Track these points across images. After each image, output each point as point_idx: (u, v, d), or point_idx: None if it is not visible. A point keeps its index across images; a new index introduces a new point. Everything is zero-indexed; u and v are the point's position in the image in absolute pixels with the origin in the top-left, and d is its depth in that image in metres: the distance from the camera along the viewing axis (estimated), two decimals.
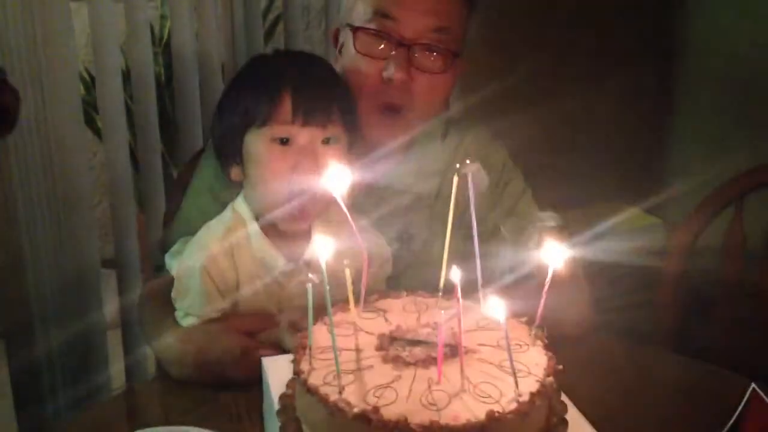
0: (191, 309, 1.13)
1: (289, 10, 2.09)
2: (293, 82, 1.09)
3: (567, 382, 0.88)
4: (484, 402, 0.75)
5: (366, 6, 1.21)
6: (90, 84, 2.37)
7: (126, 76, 1.95)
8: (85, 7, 1.82)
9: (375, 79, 1.20)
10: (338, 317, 0.90)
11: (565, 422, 0.83)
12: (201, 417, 0.99)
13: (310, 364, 0.81)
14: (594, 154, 2.46)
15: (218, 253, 1.12)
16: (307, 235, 1.16)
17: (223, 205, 1.20)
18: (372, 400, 0.75)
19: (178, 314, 1.14)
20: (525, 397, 0.76)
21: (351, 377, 0.79)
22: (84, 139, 1.82)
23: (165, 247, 1.26)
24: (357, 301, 0.92)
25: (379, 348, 0.85)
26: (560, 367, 0.84)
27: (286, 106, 1.08)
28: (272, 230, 1.14)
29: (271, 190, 1.11)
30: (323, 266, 0.79)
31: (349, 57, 1.23)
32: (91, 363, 1.83)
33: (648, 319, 1.92)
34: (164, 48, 2.29)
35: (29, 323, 1.69)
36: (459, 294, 0.78)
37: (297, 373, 0.81)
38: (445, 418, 0.73)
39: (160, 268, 1.23)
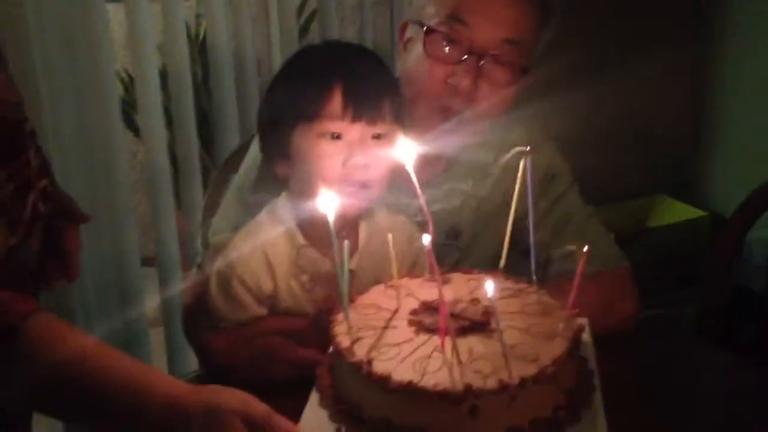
0: (227, 316, 1.13)
1: (324, 6, 2.09)
2: (344, 77, 1.07)
3: (610, 377, 0.87)
4: (472, 376, 0.78)
5: (439, 7, 1.19)
6: (129, 84, 2.40)
7: (163, 75, 1.96)
8: (122, 9, 1.83)
9: (439, 82, 1.18)
10: (402, 282, 0.98)
11: (571, 417, 0.82)
12: None
13: (346, 315, 0.89)
14: (636, 145, 2.41)
15: (253, 261, 1.11)
16: (351, 245, 1.15)
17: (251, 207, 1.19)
18: (374, 353, 0.82)
19: (215, 319, 1.14)
20: (512, 381, 0.77)
21: (372, 332, 0.87)
22: (123, 139, 1.84)
23: (203, 245, 1.26)
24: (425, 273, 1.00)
25: (413, 313, 0.90)
26: (580, 362, 0.85)
27: (337, 100, 1.06)
28: (314, 233, 1.12)
29: (320, 184, 1.07)
30: (331, 224, 0.86)
31: (415, 55, 1.21)
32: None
33: (694, 315, 1.88)
34: (200, 47, 2.31)
35: (72, 323, 1.71)
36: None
37: (330, 321, 0.90)
38: (426, 382, 0.77)
39: (200, 266, 1.23)
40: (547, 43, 1.25)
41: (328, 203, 0.88)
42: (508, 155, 0.93)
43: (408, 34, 1.25)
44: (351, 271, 1.12)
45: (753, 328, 1.93)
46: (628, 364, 1.15)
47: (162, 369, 1.90)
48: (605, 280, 1.21)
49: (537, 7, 1.20)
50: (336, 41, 1.31)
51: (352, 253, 1.14)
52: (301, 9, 2.30)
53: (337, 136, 1.07)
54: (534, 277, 0.95)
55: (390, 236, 0.94)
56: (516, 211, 0.97)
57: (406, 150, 0.90)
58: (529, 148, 0.91)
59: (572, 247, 1.21)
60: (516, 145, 1.28)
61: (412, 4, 1.28)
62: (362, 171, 1.06)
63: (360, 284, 1.06)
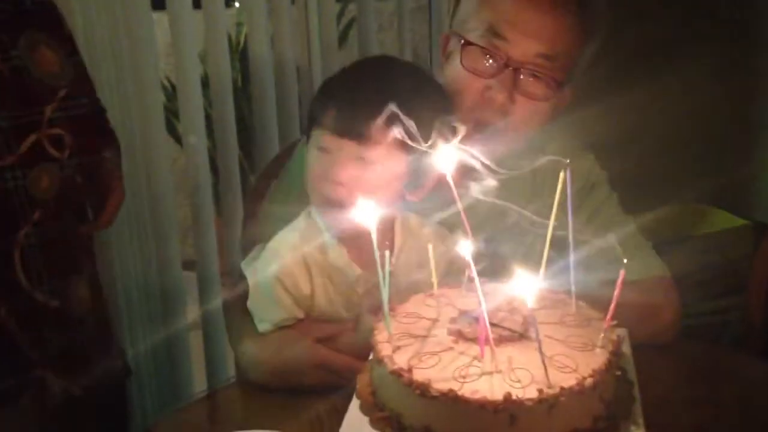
0: (266, 318, 1.14)
1: (363, 13, 2.10)
2: (347, 91, 1.09)
3: (651, 387, 0.87)
4: (511, 385, 0.78)
5: (479, 22, 1.19)
6: (171, 92, 2.44)
7: (204, 83, 1.99)
8: (165, 17, 1.87)
9: (475, 95, 1.19)
10: (442, 291, 0.99)
11: (611, 427, 0.82)
12: (281, 420, 0.99)
13: (387, 324, 0.90)
14: (675, 151, 2.38)
15: (292, 263, 1.12)
16: (384, 248, 1.15)
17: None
18: (414, 361, 0.82)
19: (255, 321, 1.16)
20: (552, 390, 0.77)
21: (412, 340, 0.87)
22: (166, 145, 1.87)
23: (244, 249, 1.27)
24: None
25: (452, 322, 0.90)
26: (618, 373, 0.85)
27: (330, 115, 1.08)
28: (349, 237, 1.13)
29: (311, 195, 1.12)
30: (374, 235, 0.87)
31: (454, 67, 1.22)
32: (175, 364, 1.88)
33: (738, 324, 1.85)
34: (240, 54, 2.34)
35: (116, 325, 1.75)
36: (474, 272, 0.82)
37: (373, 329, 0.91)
38: (465, 390, 0.77)
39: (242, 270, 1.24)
40: (590, 58, 1.25)
41: (366, 215, 0.88)
42: (542, 162, 0.92)
43: (450, 47, 1.26)
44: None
45: None
46: (669, 373, 1.14)
47: (200, 372, 1.93)
48: (646, 289, 1.20)
49: (578, 24, 1.20)
50: (391, 58, 1.31)
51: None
52: (340, 16, 2.32)
53: (325, 149, 1.08)
54: (573, 288, 0.95)
55: (430, 246, 0.94)
56: (554, 222, 0.96)
57: (445, 158, 0.90)
58: (568, 160, 0.90)
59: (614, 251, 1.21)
60: (554, 156, 1.28)
61: (456, 16, 1.29)
62: (338, 189, 1.06)
63: (396, 286, 1.06)
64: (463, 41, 1.19)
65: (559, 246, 1.02)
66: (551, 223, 0.93)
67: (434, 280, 0.97)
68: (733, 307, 2.02)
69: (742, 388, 1.12)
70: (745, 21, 2.44)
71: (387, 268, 0.88)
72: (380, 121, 1.02)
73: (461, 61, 1.19)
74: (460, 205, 0.94)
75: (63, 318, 1.27)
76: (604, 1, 1.25)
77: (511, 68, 1.17)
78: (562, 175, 0.90)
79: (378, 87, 1.08)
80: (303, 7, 1.99)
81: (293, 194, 1.26)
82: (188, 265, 2.02)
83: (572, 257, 0.91)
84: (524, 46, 1.16)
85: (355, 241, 1.13)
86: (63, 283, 1.28)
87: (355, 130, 1.05)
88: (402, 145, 1.04)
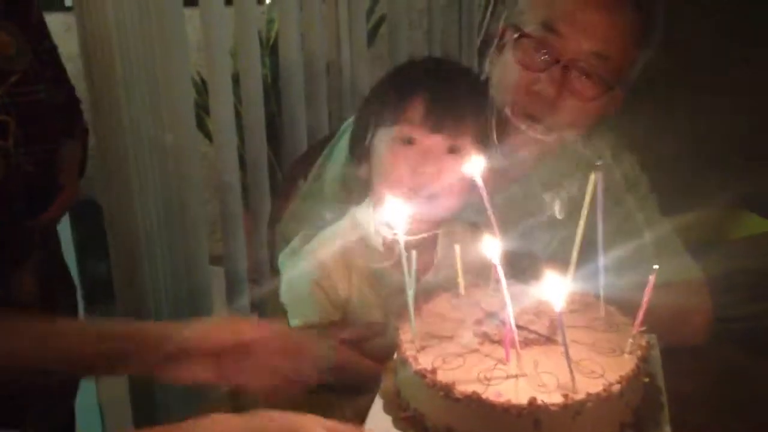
0: (301, 314, 1.14)
1: (393, 10, 2.09)
2: (430, 86, 1.09)
3: (680, 392, 0.85)
4: (536, 389, 0.77)
5: (535, 14, 1.19)
6: (201, 88, 2.46)
7: (235, 79, 2.00)
8: (197, 13, 1.88)
9: (524, 88, 1.18)
10: (469, 291, 0.98)
11: None
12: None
13: (412, 324, 0.89)
14: (711, 155, 2.33)
15: (333, 266, 1.12)
16: (427, 258, 1.14)
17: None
18: (439, 362, 0.82)
19: (289, 315, 1.16)
20: (579, 396, 0.76)
21: (437, 341, 0.87)
22: (196, 141, 1.88)
23: (272, 246, 1.27)
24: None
25: (478, 323, 0.90)
26: (646, 379, 0.84)
27: (418, 108, 1.08)
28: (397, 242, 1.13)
29: (390, 188, 1.09)
30: (401, 235, 0.87)
31: (505, 59, 1.22)
32: None
33: None
34: (270, 51, 2.35)
35: (145, 319, 1.76)
36: (500, 272, 0.81)
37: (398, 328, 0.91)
38: (489, 393, 0.77)
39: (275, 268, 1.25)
40: (645, 64, 1.23)
41: (398, 214, 0.88)
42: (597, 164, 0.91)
43: (504, 39, 1.25)
44: (426, 281, 1.13)
45: None
46: (700, 378, 1.12)
47: None
48: (679, 291, 1.19)
49: (635, 27, 1.19)
50: (439, 58, 1.33)
51: (427, 268, 1.14)
52: (370, 13, 2.32)
53: (411, 142, 1.07)
54: (602, 293, 0.93)
55: (457, 247, 0.93)
56: (586, 223, 0.95)
57: (474, 163, 0.90)
58: (600, 162, 0.89)
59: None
60: (596, 154, 1.27)
61: (514, 8, 1.29)
62: (430, 180, 1.06)
63: (436, 292, 1.06)
64: (517, 34, 1.19)
65: (590, 247, 1.02)
66: (581, 224, 0.91)
67: (460, 280, 0.96)
68: (765, 313, 1.98)
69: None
70: None
71: (414, 266, 0.87)
72: (470, 117, 1.08)
73: (513, 53, 1.19)
74: (488, 206, 0.93)
75: (5, 306, 1.26)
76: (663, 7, 1.23)
77: (561, 64, 1.16)
78: (593, 176, 0.88)
79: (458, 83, 1.12)
80: (333, 4, 1.98)
81: (329, 193, 1.26)
82: (215, 260, 2.04)
83: (602, 260, 0.90)
84: (578, 43, 1.15)
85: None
86: (6, 271, 1.27)
87: (448, 123, 1.07)
88: (480, 138, 1.10)
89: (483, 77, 1.29)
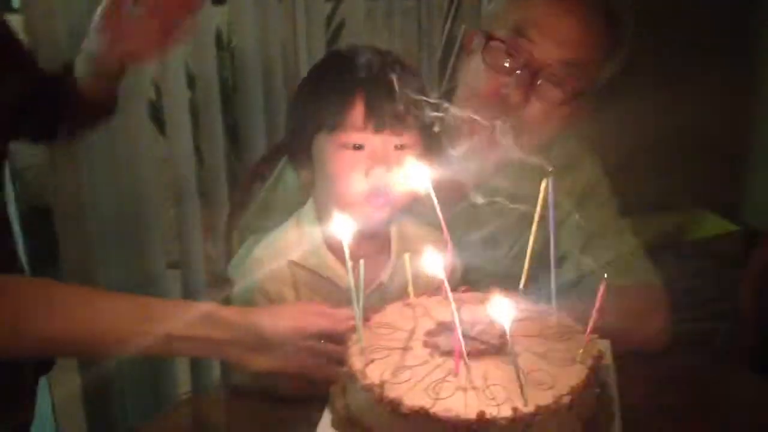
0: None
1: (353, 16, 2.07)
2: (366, 86, 1.06)
3: (633, 398, 0.85)
4: (486, 403, 0.76)
5: (507, 20, 1.19)
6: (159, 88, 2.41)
7: (192, 80, 1.97)
8: None
9: (491, 91, 1.18)
10: (420, 300, 0.97)
11: None
12: (263, 426, 1.00)
13: (359, 336, 0.87)
14: (667, 154, 2.36)
15: (278, 273, 1.10)
16: (381, 257, 1.13)
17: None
18: (387, 376, 0.80)
19: None
20: (528, 409, 0.75)
21: (386, 353, 0.85)
22: (151, 139, 1.84)
23: (229, 250, 1.25)
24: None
25: (429, 334, 0.88)
26: (597, 390, 0.84)
27: (359, 111, 1.05)
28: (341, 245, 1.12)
29: (342, 194, 1.08)
30: (346, 250, 0.85)
31: (474, 64, 1.22)
32: (158, 365, 1.85)
33: (728, 331, 1.83)
34: (232, 52, 2.31)
35: None
36: (447, 286, 0.80)
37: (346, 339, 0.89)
38: (437, 408, 0.75)
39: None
40: (611, 73, 1.24)
41: (343, 227, 0.87)
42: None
43: (474, 44, 1.25)
44: (381, 284, 1.11)
45: None
46: (654, 383, 1.12)
47: (185, 373, 1.91)
48: (636, 295, 1.20)
49: (605, 36, 1.19)
50: (362, 46, 1.30)
51: (384, 265, 1.13)
52: (329, 20, 2.30)
53: (359, 147, 1.05)
54: (554, 300, 0.93)
55: (407, 256, 0.92)
56: (543, 227, 0.94)
57: (422, 174, 0.89)
58: (551, 168, 0.88)
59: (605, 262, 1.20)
60: (558, 160, 1.27)
61: (486, 13, 1.28)
62: (385, 182, 1.04)
63: (391, 297, 1.06)
64: (488, 36, 1.19)
65: (543, 257, 1.01)
66: (533, 233, 0.91)
67: (410, 289, 0.94)
68: (724, 314, 2.00)
69: (728, 401, 1.10)
70: (745, 35, 2.43)
71: (361, 276, 0.86)
72: (409, 106, 1.05)
73: (483, 57, 1.19)
74: (440, 214, 0.91)
75: None
76: (632, 17, 1.24)
77: (531, 69, 1.15)
78: (543, 183, 0.87)
79: (392, 74, 1.08)
80: (291, 8, 1.96)
81: (286, 201, 1.23)
82: (175, 264, 2.00)
83: (553, 268, 0.89)
84: (547, 50, 1.16)
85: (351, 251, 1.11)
86: None
87: (392, 121, 1.05)
88: (425, 128, 1.09)
89: (446, 83, 1.29)
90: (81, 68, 1.32)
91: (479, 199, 1.25)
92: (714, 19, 2.32)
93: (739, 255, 2.32)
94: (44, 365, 1.44)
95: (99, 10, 1.28)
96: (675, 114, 2.29)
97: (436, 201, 0.89)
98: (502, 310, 0.75)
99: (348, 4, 2.03)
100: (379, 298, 1.10)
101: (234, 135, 2.18)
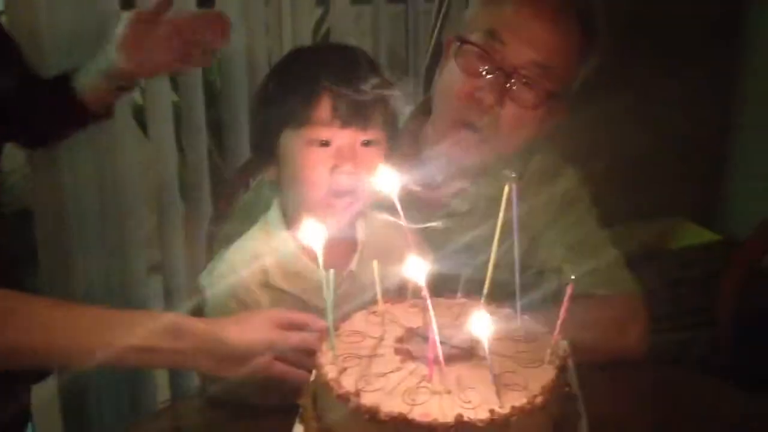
0: None
1: (341, 21, 2.07)
2: (332, 82, 1.06)
3: (609, 405, 0.87)
4: (462, 406, 0.76)
5: (480, 24, 1.21)
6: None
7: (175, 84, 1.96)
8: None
9: (465, 95, 1.19)
10: (386, 307, 0.95)
11: None
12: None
13: (332, 345, 0.86)
14: (646, 163, 2.37)
15: (251, 279, 1.10)
16: (349, 245, 1.13)
17: None
18: (362, 384, 0.79)
19: None
20: (504, 410, 0.75)
21: (357, 361, 0.84)
22: (134, 141, 1.82)
23: (210, 256, 1.25)
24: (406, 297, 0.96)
25: (399, 340, 0.88)
26: (567, 388, 0.84)
27: (325, 107, 1.05)
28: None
29: (308, 192, 1.08)
30: (319, 255, 0.85)
31: (449, 68, 1.23)
32: (137, 373, 1.84)
33: (706, 341, 1.83)
34: (218, 58, 2.30)
35: None
36: (426, 292, 0.80)
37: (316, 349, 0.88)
38: (415, 413, 0.75)
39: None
40: (584, 77, 1.25)
41: (314, 235, 0.86)
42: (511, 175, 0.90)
43: (452, 47, 1.25)
44: (351, 272, 1.11)
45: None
46: (629, 391, 1.13)
47: (164, 384, 1.89)
48: (615, 305, 1.20)
49: (578, 39, 1.21)
50: (328, 44, 1.30)
51: (352, 254, 1.12)
52: (317, 27, 2.30)
53: (325, 143, 1.05)
54: (518, 304, 0.93)
55: (375, 263, 0.91)
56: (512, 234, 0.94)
57: (388, 180, 0.88)
58: (514, 175, 0.88)
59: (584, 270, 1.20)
60: (535, 171, 1.27)
61: (463, 18, 1.30)
62: (351, 178, 1.05)
63: (362, 284, 1.06)
64: (461, 40, 1.19)
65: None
66: (495, 241, 0.90)
67: (379, 297, 0.94)
68: (702, 324, 2.01)
69: (707, 415, 1.11)
70: (723, 43, 2.45)
71: (332, 285, 0.85)
72: (376, 101, 1.06)
73: (456, 60, 1.20)
74: (404, 222, 0.90)
75: None
76: (605, 20, 1.25)
77: (503, 72, 1.15)
78: (506, 189, 0.87)
79: (358, 69, 1.08)
80: (277, 12, 1.96)
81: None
82: (157, 268, 1.98)
83: (518, 272, 0.89)
84: (520, 52, 1.17)
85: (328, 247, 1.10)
86: None
87: (359, 116, 1.05)
88: (391, 124, 1.10)
89: (432, 89, 1.29)
90: (87, 81, 1.31)
91: (459, 206, 1.26)
92: (692, 28, 2.34)
93: (720, 264, 2.33)
94: (38, 375, 1.43)
95: (120, 27, 1.27)
96: (655, 123, 2.32)
97: (399, 207, 0.88)
98: (480, 318, 0.75)
99: (336, 10, 2.04)
100: (350, 286, 1.10)
101: (218, 140, 2.18)
